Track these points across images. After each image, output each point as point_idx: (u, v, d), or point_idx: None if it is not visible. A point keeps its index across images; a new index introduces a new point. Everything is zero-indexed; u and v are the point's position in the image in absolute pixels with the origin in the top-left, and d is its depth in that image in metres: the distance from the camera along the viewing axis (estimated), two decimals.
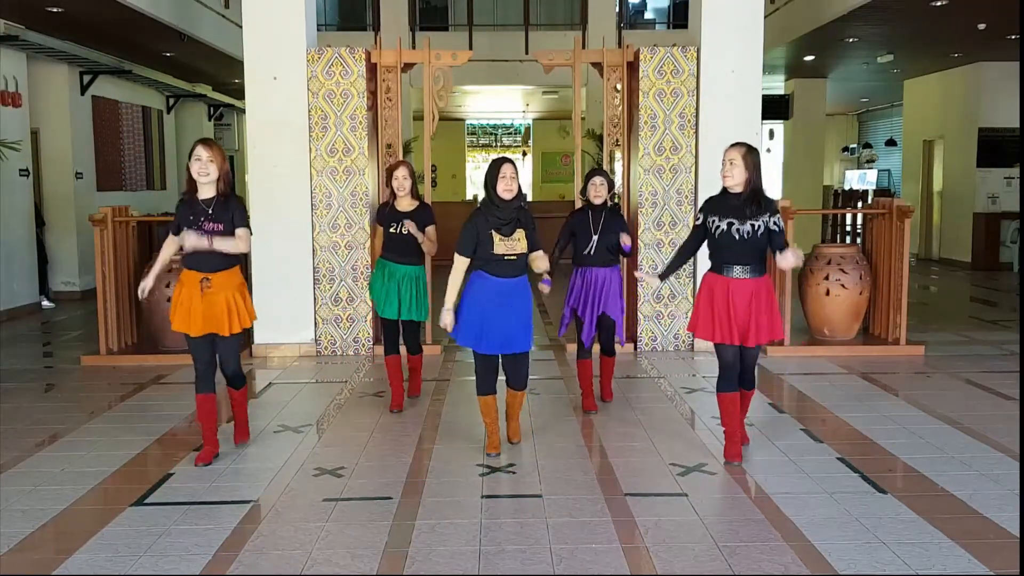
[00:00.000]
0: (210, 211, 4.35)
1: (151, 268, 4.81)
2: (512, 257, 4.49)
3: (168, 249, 4.61)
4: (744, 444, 4.67)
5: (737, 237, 4.33)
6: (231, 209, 4.38)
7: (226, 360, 4.63)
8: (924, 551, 3.41)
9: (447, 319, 4.50)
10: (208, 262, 4.37)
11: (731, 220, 4.34)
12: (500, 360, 4.67)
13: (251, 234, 4.49)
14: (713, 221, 4.41)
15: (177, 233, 4.45)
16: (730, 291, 4.35)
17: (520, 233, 4.51)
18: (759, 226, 4.31)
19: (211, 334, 4.47)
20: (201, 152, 4.33)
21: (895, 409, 5.56)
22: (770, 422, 5.29)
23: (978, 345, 7.70)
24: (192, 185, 4.39)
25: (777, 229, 4.34)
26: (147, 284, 4.66)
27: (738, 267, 4.36)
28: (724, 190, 4.44)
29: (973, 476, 4.27)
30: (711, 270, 4.48)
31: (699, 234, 4.54)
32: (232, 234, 4.39)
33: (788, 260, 4.32)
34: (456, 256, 4.52)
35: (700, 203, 4.58)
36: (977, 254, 13.71)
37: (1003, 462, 4.48)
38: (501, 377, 4.69)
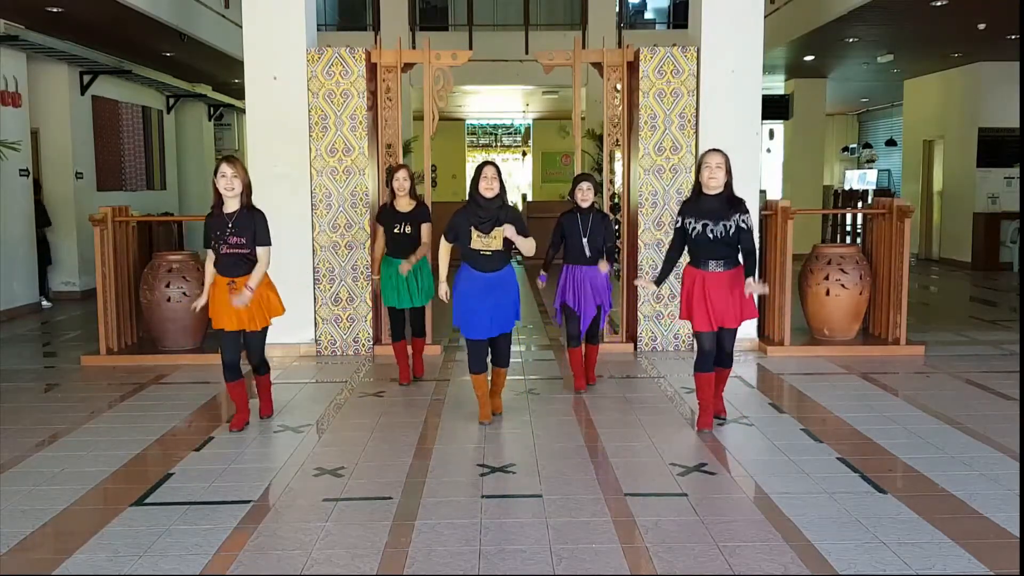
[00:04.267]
0: (230, 225, 4.86)
1: (204, 287, 5.22)
2: (488, 253, 4.97)
3: (210, 263, 5.07)
4: (721, 417, 5.23)
5: (711, 237, 4.81)
6: (253, 223, 4.90)
7: (252, 351, 5.16)
8: (924, 551, 3.41)
9: (442, 289, 5.18)
10: (236, 269, 4.92)
11: (706, 222, 4.81)
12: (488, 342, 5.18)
13: (271, 247, 4.97)
14: (690, 223, 4.87)
15: (208, 246, 4.97)
16: (706, 283, 4.85)
17: (499, 231, 4.92)
18: (731, 225, 4.78)
19: (241, 330, 4.99)
20: (226, 169, 4.84)
21: (895, 409, 5.57)
22: (770, 422, 5.29)
23: (978, 345, 7.69)
24: (219, 199, 4.90)
25: (746, 227, 4.80)
26: (200, 302, 5.16)
27: (712, 262, 4.86)
28: (699, 193, 4.89)
29: (973, 476, 4.27)
30: (690, 264, 4.98)
31: (680, 236, 5.00)
32: (252, 247, 4.90)
33: (754, 289, 4.78)
34: (442, 238, 5.13)
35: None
36: (977, 254, 13.71)
37: (1003, 462, 4.48)
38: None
